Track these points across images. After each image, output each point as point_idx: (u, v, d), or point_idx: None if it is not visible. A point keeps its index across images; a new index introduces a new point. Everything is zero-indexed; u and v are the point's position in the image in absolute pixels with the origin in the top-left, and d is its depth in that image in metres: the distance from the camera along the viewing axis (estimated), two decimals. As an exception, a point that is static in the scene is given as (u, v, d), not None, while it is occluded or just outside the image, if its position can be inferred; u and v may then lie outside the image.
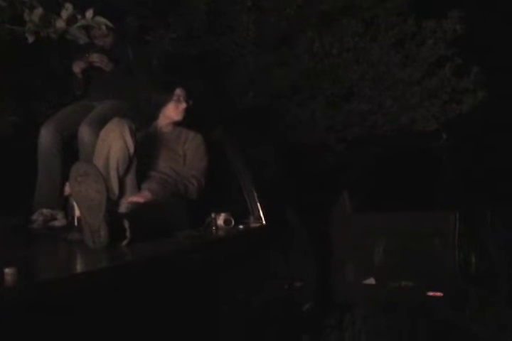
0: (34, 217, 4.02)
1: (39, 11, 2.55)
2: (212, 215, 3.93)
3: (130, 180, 3.79)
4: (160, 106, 4.35)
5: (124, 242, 2.98)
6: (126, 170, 3.76)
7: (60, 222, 4.02)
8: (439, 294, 5.52)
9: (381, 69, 7.36)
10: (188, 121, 4.43)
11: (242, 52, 6.69)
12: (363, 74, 7.33)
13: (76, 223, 3.56)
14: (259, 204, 4.38)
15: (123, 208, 3.62)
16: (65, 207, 4.03)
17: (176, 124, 4.43)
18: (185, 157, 4.27)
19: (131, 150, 3.73)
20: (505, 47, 11.61)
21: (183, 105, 4.35)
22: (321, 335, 4.52)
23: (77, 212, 3.43)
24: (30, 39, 2.64)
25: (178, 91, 4.37)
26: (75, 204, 3.28)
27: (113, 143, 3.70)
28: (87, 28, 2.79)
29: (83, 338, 2.04)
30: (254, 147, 5.13)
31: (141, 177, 3.93)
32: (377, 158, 6.18)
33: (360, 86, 7.46)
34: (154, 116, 4.38)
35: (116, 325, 2.19)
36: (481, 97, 7.69)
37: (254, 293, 3.78)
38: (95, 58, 4.47)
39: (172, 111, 4.35)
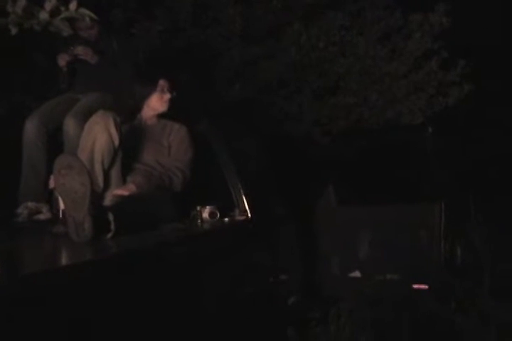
0: (19, 210, 4.01)
1: (22, 2, 2.53)
2: (198, 208, 3.93)
3: (115, 172, 3.78)
4: (144, 98, 4.34)
5: (109, 235, 2.97)
6: (111, 163, 3.74)
7: (44, 215, 4.01)
8: (424, 287, 5.54)
9: (367, 63, 7.37)
10: (173, 114, 4.42)
11: (228, 45, 6.68)
12: (350, 67, 7.34)
13: (61, 216, 3.55)
14: (244, 197, 4.38)
15: (107, 201, 3.61)
16: (50, 200, 4.02)
17: (161, 116, 4.42)
18: (170, 149, 4.25)
19: (116, 142, 3.71)
20: (491, 41, 11.65)
21: (168, 96, 4.35)
22: (306, 328, 4.52)
23: (61, 205, 3.41)
24: (14, 31, 2.61)
25: (162, 82, 4.37)
26: (59, 197, 3.27)
27: (98, 135, 3.68)
28: (71, 20, 2.77)
29: (68, 331, 2.03)
30: (240, 140, 5.12)
31: (126, 170, 3.92)
32: (362, 151, 6.18)
33: (347, 79, 7.47)
34: (139, 109, 4.37)
35: (101, 317, 2.18)
36: (467, 90, 7.72)
37: (239, 286, 3.78)
38: (80, 51, 4.45)
39: (156, 102, 4.35)
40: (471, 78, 7.75)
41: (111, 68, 4.56)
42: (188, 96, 5.31)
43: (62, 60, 4.50)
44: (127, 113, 4.29)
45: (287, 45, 6.96)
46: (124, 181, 3.85)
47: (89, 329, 2.11)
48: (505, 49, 12.08)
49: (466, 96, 7.78)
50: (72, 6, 2.63)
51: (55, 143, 4.27)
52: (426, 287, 5.56)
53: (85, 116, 3.96)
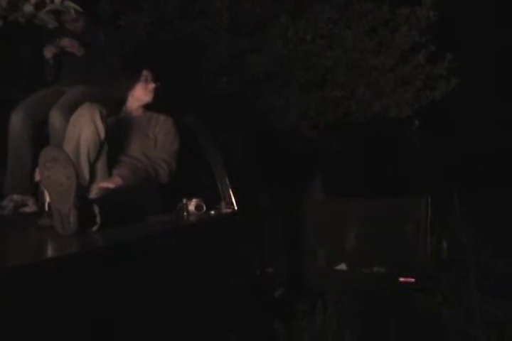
0: (4, 202, 3.99)
1: (7, -6, 2.52)
2: (184, 201, 3.92)
3: (101, 165, 3.77)
4: (128, 89, 4.34)
5: (94, 228, 2.96)
6: (97, 156, 3.73)
7: (30, 207, 3.99)
8: (410, 280, 5.57)
9: (355, 56, 7.37)
10: (159, 106, 4.42)
11: (215, 38, 6.67)
12: (337, 60, 7.34)
13: (46, 209, 3.54)
14: (230, 190, 4.38)
15: (93, 194, 3.59)
16: (36, 193, 4.00)
17: (147, 108, 4.41)
18: (156, 141, 4.25)
19: (102, 135, 3.70)
20: (478, 34, 11.68)
21: (152, 85, 4.35)
22: (292, 321, 4.53)
23: (47, 198, 3.40)
24: (-1, 23, 2.61)
25: (145, 72, 4.37)
26: (45, 190, 3.26)
27: (84, 128, 3.67)
28: (58, 13, 2.76)
29: (54, 324, 2.03)
30: (226, 133, 5.13)
31: (112, 163, 3.91)
32: (349, 144, 6.20)
33: (334, 73, 7.47)
34: (124, 100, 4.36)
35: (86, 310, 2.18)
36: (454, 84, 7.74)
37: (225, 279, 3.78)
38: (66, 43, 4.43)
39: (141, 92, 4.35)
40: (458, 72, 7.77)
41: (97, 60, 4.54)
42: (174, 89, 5.31)
43: (48, 53, 4.47)
44: (113, 105, 4.29)
45: (274, 38, 6.95)
46: (109, 174, 3.84)
47: (75, 321, 2.11)
48: (491, 42, 12.12)
49: (453, 89, 7.81)
50: (58, -2, 2.63)
51: (41, 136, 4.25)
52: (412, 280, 5.59)
53: (71, 109, 3.95)
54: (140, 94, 4.36)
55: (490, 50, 12.48)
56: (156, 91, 4.38)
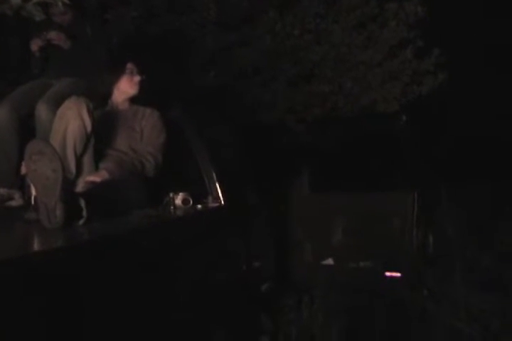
0: (-10, 196, 3.98)
1: (-7, -13, 2.51)
2: (171, 195, 3.92)
3: (87, 159, 3.76)
4: (114, 82, 4.34)
5: (81, 222, 2.95)
6: (84, 149, 3.72)
7: (16, 201, 3.97)
8: (396, 274, 5.59)
9: (342, 51, 7.38)
10: (146, 100, 4.41)
11: (202, 32, 6.65)
12: (325, 55, 7.35)
13: (32, 202, 3.52)
14: (217, 184, 4.37)
15: (80, 187, 3.59)
16: (22, 187, 3.99)
17: (133, 101, 4.40)
18: (142, 134, 4.25)
19: (89, 128, 3.70)
20: (465, 30, 11.71)
21: (137, 77, 4.35)
22: (279, 315, 4.54)
23: (33, 192, 3.39)
24: (-15, 15, 2.60)
25: (130, 65, 4.37)
26: (31, 183, 3.25)
27: (70, 121, 3.66)
28: (45, 5, 2.75)
29: (39, 319, 2.02)
30: (213, 127, 5.12)
31: (99, 156, 3.91)
32: (336, 139, 6.20)
33: (322, 67, 7.47)
34: (110, 94, 4.36)
35: (72, 304, 2.17)
36: (441, 79, 7.76)
37: (212, 273, 3.78)
38: (53, 36, 4.40)
39: (126, 85, 4.35)
40: (445, 67, 7.80)
41: (84, 54, 4.52)
42: (162, 82, 5.30)
43: (35, 45, 4.45)
44: (100, 98, 4.28)
45: (262, 32, 6.94)
46: (96, 167, 3.84)
47: (61, 315, 2.11)
48: (478, 38, 12.16)
49: (440, 85, 7.84)
50: (45, -9, 2.62)
51: (27, 129, 4.23)
52: (398, 275, 5.60)
53: (58, 102, 3.93)
54: (126, 87, 4.35)
55: (477, 46, 12.51)
56: (142, 84, 4.37)
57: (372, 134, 5.97)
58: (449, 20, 11.10)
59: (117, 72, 4.36)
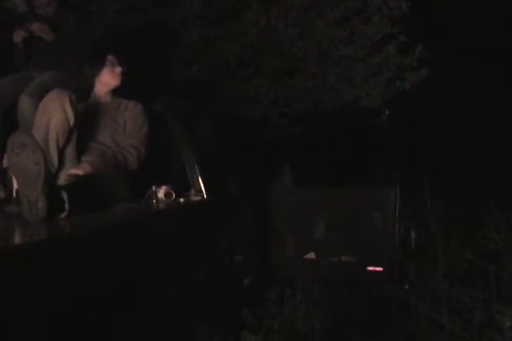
0: (-28, 189, 3.96)
1: (-24, -23, 2.50)
2: (153, 188, 3.91)
3: (70, 152, 3.75)
4: (95, 75, 4.32)
5: (63, 215, 2.95)
6: (66, 142, 3.71)
7: (-2, 194, 3.96)
8: (378, 269, 5.60)
9: (326, 46, 7.37)
10: (130, 93, 4.40)
11: (186, 25, 6.64)
12: (308, 50, 7.34)
13: (14, 195, 3.51)
14: (200, 178, 4.38)
15: (62, 180, 3.58)
16: (4, 179, 3.97)
17: (116, 94, 4.39)
18: (125, 126, 4.24)
19: (72, 121, 3.68)
20: (449, 26, 11.74)
21: (119, 69, 4.34)
22: (261, 309, 4.55)
23: (15, 185, 3.37)
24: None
25: (110, 57, 4.36)
26: (13, 176, 3.24)
27: (53, 114, 3.64)
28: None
29: (19, 312, 2.02)
30: (197, 120, 5.11)
31: (81, 149, 3.89)
32: (319, 133, 6.22)
33: (305, 62, 7.47)
34: (92, 86, 4.34)
35: (54, 297, 2.17)
36: (425, 75, 7.78)
37: (194, 267, 3.78)
38: (36, 28, 4.38)
39: (108, 76, 4.33)
40: (429, 63, 7.82)
41: (67, 46, 4.50)
42: (145, 76, 5.29)
43: (18, 37, 4.43)
44: (83, 91, 4.26)
45: (246, 26, 6.93)
46: (78, 160, 3.82)
47: (42, 309, 2.10)
48: (462, 34, 12.19)
49: (424, 80, 7.85)
50: (28, -18, 2.61)
51: (10, 121, 4.21)
52: (380, 269, 5.62)
53: (41, 94, 3.91)
54: (108, 79, 4.34)
55: (460, 42, 12.55)
56: (124, 75, 4.36)
57: (355, 129, 5.99)
58: (433, 15, 11.13)
59: (99, 65, 4.34)
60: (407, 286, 4.97)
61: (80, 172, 3.69)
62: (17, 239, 2.71)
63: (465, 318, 4.08)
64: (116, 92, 4.40)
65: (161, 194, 3.92)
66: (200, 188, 4.36)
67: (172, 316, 3.27)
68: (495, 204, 4.46)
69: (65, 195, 2.95)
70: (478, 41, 12.52)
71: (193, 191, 4.35)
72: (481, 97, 12.64)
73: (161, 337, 3.15)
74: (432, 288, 4.58)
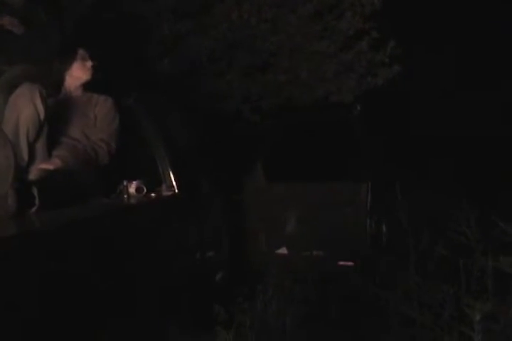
0: None
1: None
2: (124, 183, 3.88)
3: (40, 146, 3.71)
4: (66, 69, 4.29)
5: (33, 209, 2.93)
6: (36, 136, 3.67)
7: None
8: (349, 263, 5.64)
9: (298, 41, 7.38)
10: (101, 87, 4.37)
11: (159, 20, 6.61)
12: (281, 45, 7.35)
13: (-16, 190, 3.48)
14: (171, 173, 4.36)
15: (32, 175, 3.55)
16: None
17: (87, 88, 4.36)
18: (96, 120, 4.21)
19: (42, 115, 3.64)
20: (421, 22, 11.80)
21: (89, 63, 4.30)
22: (233, 304, 4.55)
23: (-16, 179, 3.35)
24: None
25: (81, 51, 4.32)
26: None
27: (23, 108, 3.61)
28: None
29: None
30: (168, 115, 5.09)
31: (52, 144, 3.86)
32: (291, 128, 6.22)
33: (278, 57, 7.48)
34: (63, 81, 4.31)
35: (20, 295, 2.15)
36: (396, 71, 7.82)
37: (165, 262, 3.77)
38: (6, 21, 4.34)
39: (79, 71, 4.29)
40: (400, 59, 7.86)
41: (38, 40, 4.47)
42: (116, 70, 5.25)
43: (-13, 30, 4.39)
44: (53, 85, 4.23)
45: (218, 21, 6.92)
46: (49, 155, 3.79)
47: (8, 306, 2.08)
48: (434, 30, 12.27)
49: (395, 76, 7.90)
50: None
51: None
52: (351, 263, 5.66)
53: (10, 88, 3.88)
54: (79, 73, 4.30)
55: (432, 38, 12.61)
56: (95, 69, 4.33)
57: (327, 124, 5.99)
58: (405, 11, 11.18)
59: (70, 59, 4.31)
60: (378, 280, 4.99)
61: (50, 167, 3.66)
62: (-14, 234, 2.69)
63: (435, 312, 4.11)
64: (87, 86, 4.36)
65: (132, 189, 3.90)
66: (172, 183, 4.34)
67: (143, 312, 3.26)
68: (466, 199, 4.48)
69: (35, 190, 2.94)
70: (451, 38, 12.61)
71: (164, 186, 4.33)
72: (455, 92, 12.74)
73: (132, 334, 3.13)
74: (403, 282, 4.60)
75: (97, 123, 4.20)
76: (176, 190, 4.34)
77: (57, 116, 3.99)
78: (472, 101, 12.59)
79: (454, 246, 4.54)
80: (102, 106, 4.26)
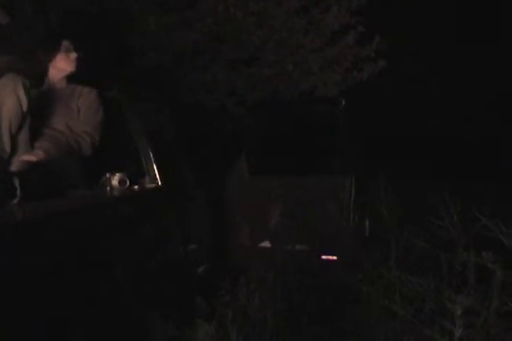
0: None
1: None
2: (107, 175, 3.88)
3: (22, 137, 3.69)
4: (50, 61, 4.27)
5: (14, 201, 2.92)
6: (19, 128, 3.65)
7: None
8: (332, 258, 5.65)
9: (284, 35, 7.38)
10: (85, 79, 4.36)
11: (144, 12, 6.59)
12: (266, 39, 7.34)
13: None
14: (155, 165, 4.35)
15: (14, 167, 3.54)
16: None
17: (71, 80, 4.34)
18: (79, 112, 4.19)
19: (25, 107, 3.62)
20: (407, 17, 11.85)
21: (74, 55, 4.27)
22: (215, 297, 4.55)
23: (-34, 170, 3.34)
24: None
25: (65, 42, 4.29)
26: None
27: (5, 99, 3.59)
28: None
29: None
30: (152, 107, 5.08)
31: (34, 135, 3.84)
32: (275, 122, 6.23)
33: (263, 50, 7.47)
34: (46, 72, 4.29)
35: (3, 284, 2.15)
36: (382, 65, 7.83)
37: (148, 255, 3.77)
38: (-11, 11, 4.33)
39: (63, 62, 4.27)
40: (386, 54, 7.88)
41: (22, 31, 4.45)
42: (101, 62, 5.24)
43: (-30, 21, 4.37)
44: (37, 76, 4.21)
45: (204, 14, 6.90)
46: (31, 146, 3.78)
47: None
48: (420, 25, 12.31)
49: (380, 71, 7.91)
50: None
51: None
52: (334, 258, 5.67)
53: (-7, 79, 3.86)
54: (63, 65, 4.28)
55: (418, 33, 12.65)
56: (79, 61, 4.31)
57: (311, 118, 6.00)
58: (391, 6, 11.21)
59: (54, 50, 4.28)
60: (360, 275, 5.00)
61: (32, 158, 3.64)
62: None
63: (417, 306, 4.13)
64: (71, 78, 4.34)
65: (115, 181, 3.90)
66: (155, 176, 4.34)
67: (124, 304, 3.27)
68: (449, 193, 4.50)
69: (16, 181, 2.93)
70: (437, 31, 12.66)
71: (147, 179, 4.33)
72: (436, 86, 12.79)
73: (113, 326, 3.13)
74: (385, 276, 4.62)
75: (80, 115, 4.18)
76: (159, 183, 4.34)
77: (41, 107, 3.97)
78: (454, 93, 12.66)
79: (436, 240, 4.56)
80: (85, 98, 4.24)
